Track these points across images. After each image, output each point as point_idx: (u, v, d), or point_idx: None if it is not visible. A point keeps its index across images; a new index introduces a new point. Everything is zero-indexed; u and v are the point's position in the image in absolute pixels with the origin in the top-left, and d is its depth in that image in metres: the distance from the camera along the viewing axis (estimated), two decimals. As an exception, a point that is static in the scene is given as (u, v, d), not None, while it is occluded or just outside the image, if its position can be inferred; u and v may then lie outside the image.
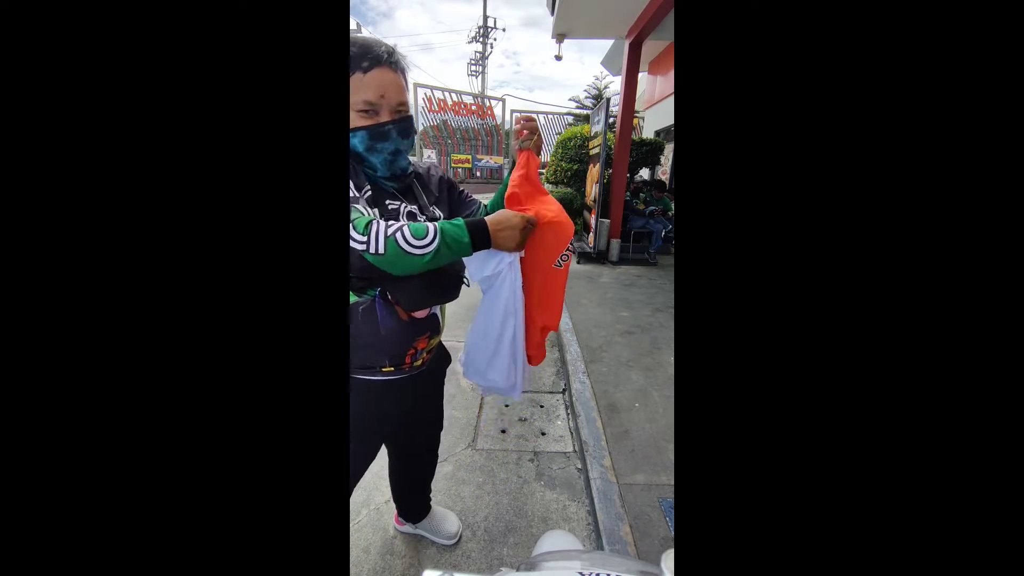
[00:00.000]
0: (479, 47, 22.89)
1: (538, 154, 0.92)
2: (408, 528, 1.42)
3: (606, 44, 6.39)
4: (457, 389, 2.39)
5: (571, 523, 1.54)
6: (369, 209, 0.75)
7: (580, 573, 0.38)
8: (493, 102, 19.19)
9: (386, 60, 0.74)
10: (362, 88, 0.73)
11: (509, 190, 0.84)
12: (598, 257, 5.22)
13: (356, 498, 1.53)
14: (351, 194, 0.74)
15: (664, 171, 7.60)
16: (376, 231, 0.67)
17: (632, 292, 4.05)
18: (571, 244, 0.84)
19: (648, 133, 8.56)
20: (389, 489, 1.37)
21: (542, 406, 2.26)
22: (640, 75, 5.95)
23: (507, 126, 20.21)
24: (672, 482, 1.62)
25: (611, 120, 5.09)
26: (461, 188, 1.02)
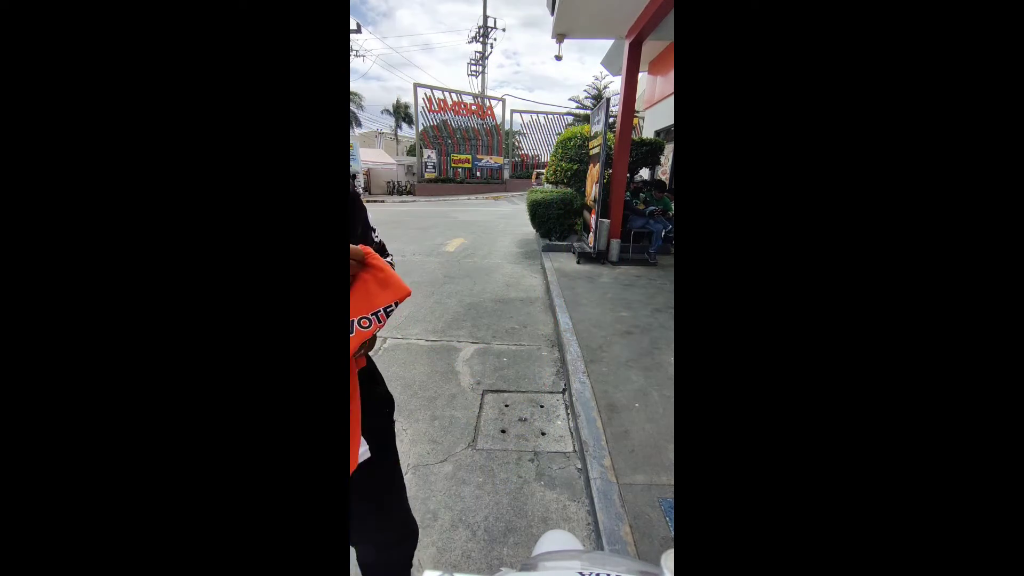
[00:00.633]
0: (479, 47, 22.92)
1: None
2: None
3: (606, 44, 6.39)
4: (457, 389, 2.39)
5: (571, 523, 1.54)
6: None
7: (580, 573, 0.38)
8: (493, 102, 19.21)
9: None
10: None
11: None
12: (598, 257, 5.22)
13: (356, 498, 1.52)
14: None
15: (664, 171, 7.60)
16: None
17: (632, 292, 4.05)
18: (388, 308, 0.62)
19: (648, 133, 8.57)
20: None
21: (542, 406, 2.26)
22: (640, 75, 5.95)
23: (507, 126, 20.24)
24: (672, 482, 1.62)
25: (611, 120, 5.09)
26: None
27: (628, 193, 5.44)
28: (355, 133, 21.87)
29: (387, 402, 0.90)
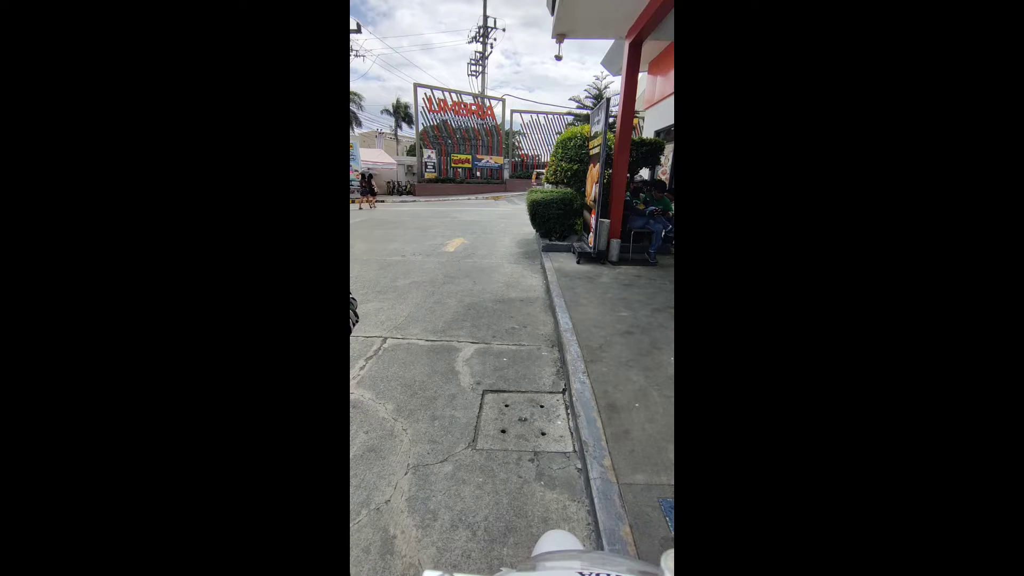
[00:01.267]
0: (479, 47, 22.91)
1: None
2: None
3: (606, 44, 6.39)
4: (457, 389, 2.39)
5: (571, 523, 1.54)
6: None
7: (580, 573, 0.38)
8: (493, 102, 19.20)
9: None
10: None
11: None
12: (598, 257, 5.22)
13: (356, 498, 1.53)
14: None
15: (664, 171, 7.60)
16: None
17: (632, 292, 4.05)
18: None
19: (648, 133, 8.56)
20: (389, 489, 1.37)
21: (542, 406, 2.26)
22: (640, 75, 5.95)
23: (507, 126, 20.23)
24: (672, 482, 1.62)
25: (611, 120, 5.09)
26: None
27: (628, 193, 5.44)
28: (355, 133, 21.87)
29: None
